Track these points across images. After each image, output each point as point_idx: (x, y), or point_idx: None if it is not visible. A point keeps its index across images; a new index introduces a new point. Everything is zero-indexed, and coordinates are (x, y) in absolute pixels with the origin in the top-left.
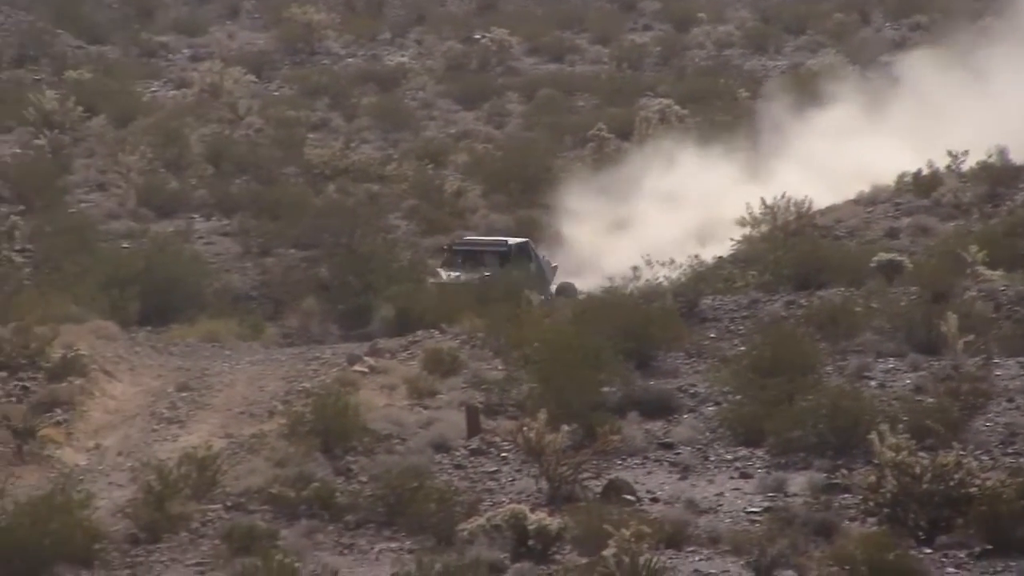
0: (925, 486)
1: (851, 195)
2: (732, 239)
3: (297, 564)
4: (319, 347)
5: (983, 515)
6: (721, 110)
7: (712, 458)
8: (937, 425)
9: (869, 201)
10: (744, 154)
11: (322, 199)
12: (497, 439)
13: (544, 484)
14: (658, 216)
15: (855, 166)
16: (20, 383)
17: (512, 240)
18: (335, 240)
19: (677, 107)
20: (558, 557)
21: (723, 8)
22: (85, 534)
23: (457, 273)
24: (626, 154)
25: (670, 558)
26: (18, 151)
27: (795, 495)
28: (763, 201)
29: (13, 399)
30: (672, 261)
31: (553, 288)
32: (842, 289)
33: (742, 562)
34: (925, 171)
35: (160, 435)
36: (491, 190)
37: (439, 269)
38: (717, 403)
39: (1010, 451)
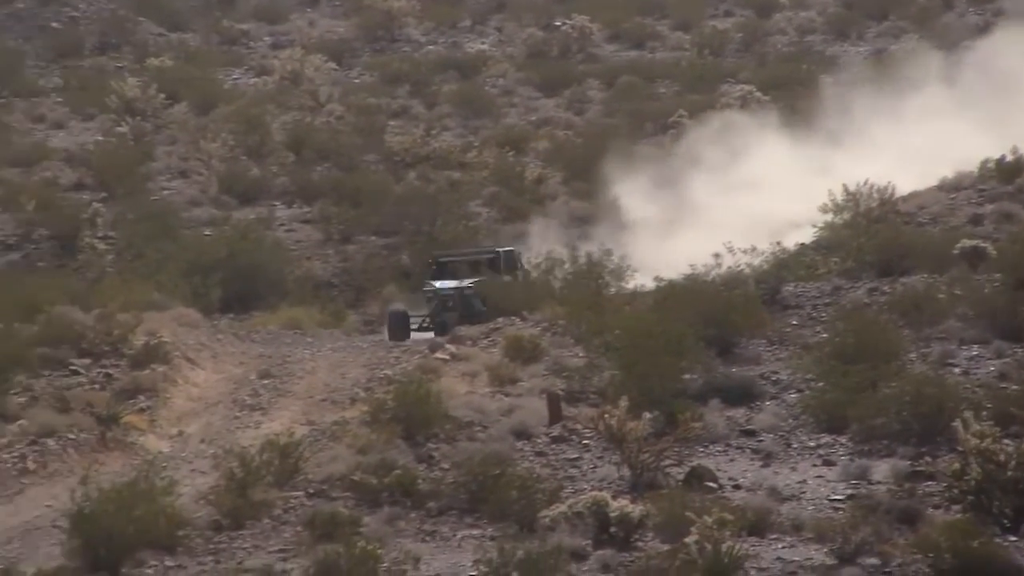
0: (1010, 473)
1: (934, 182)
2: (814, 226)
3: (380, 551)
4: None
5: None
6: (802, 96)
7: (795, 445)
8: (1022, 412)
9: (952, 187)
10: (825, 140)
11: (403, 186)
12: (579, 426)
13: (626, 471)
14: (737, 203)
15: (938, 152)
16: (103, 370)
17: (501, 248)
18: (416, 227)
19: (759, 93)
20: (640, 544)
21: None
22: (168, 521)
23: (449, 282)
24: (704, 141)
25: (752, 545)
26: (100, 138)
27: (879, 482)
28: (845, 188)
29: (97, 386)
30: (754, 248)
31: None
32: (925, 276)
33: (825, 549)
34: (1009, 157)
35: (242, 422)
36: (571, 177)
37: (428, 281)
38: (799, 390)
39: None
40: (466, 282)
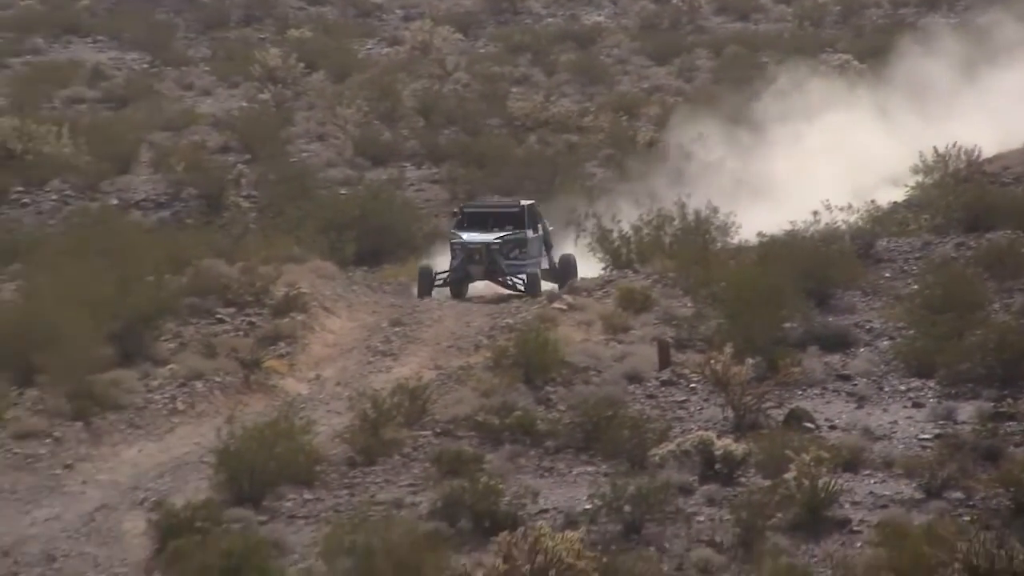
0: None
1: (1018, 144)
2: (906, 185)
3: (501, 486)
4: None
5: None
6: (895, 65)
7: (886, 389)
8: None
9: None
10: (916, 106)
11: (524, 149)
12: (686, 371)
13: (730, 413)
14: (831, 164)
15: (1021, 117)
16: (247, 319)
17: (524, 201)
18: (536, 187)
19: (855, 62)
20: (742, 480)
21: None
22: (307, 457)
23: (477, 234)
24: (804, 106)
25: (847, 481)
26: (244, 105)
27: (964, 423)
28: (935, 150)
29: (241, 333)
30: (850, 206)
31: (556, 256)
32: (1008, 232)
33: (914, 484)
34: None
35: (375, 367)
36: (678, 140)
37: (455, 232)
38: (891, 338)
39: None
40: (493, 236)
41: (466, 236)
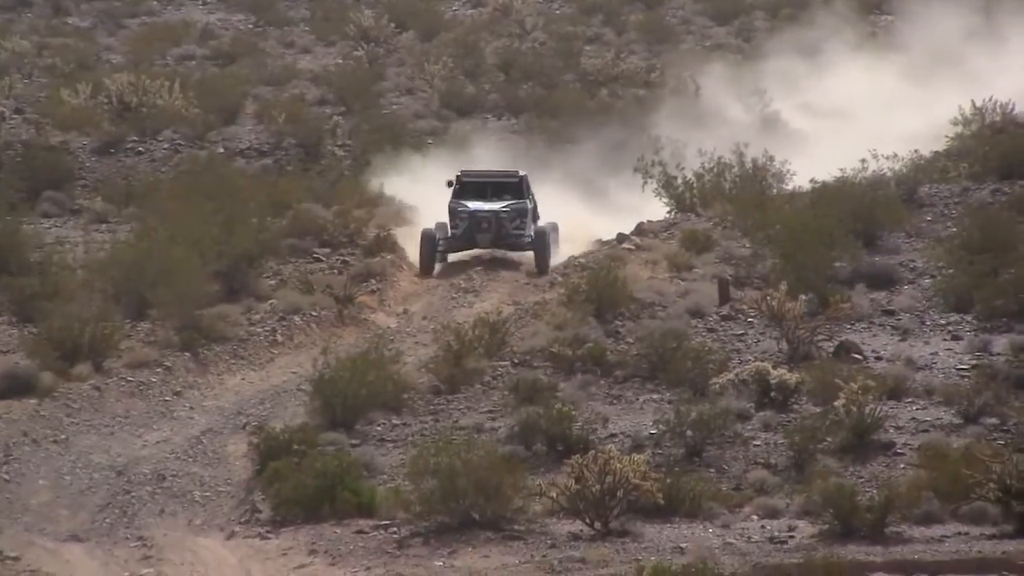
0: None
1: None
2: (947, 136)
3: (573, 412)
4: None
5: None
6: (937, 27)
7: (928, 323)
8: None
9: None
10: (954, 63)
11: (596, 102)
12: (744, 307)
13: (784, 345)
14: (873, 116)
15: None
16: (341, 258)
17: (520, 171)
18: (607, 137)
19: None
20: (796, 407)
21: None
22: (395, 385)
23: (483, 203)
24: (854, 63)
25: (891, 408)
26: (340, 61)
27: (999, 354)
28: (973, 103)
29: (335, 271)
30: (895, 155)
31: (542, 222)
32: None
33: (952, 411)
34: None
35: (458, 302)
36: (743, 93)
37: (456, 201)
38: (932, 276)
39: None
40: (500, 204)
41: (472, 205)
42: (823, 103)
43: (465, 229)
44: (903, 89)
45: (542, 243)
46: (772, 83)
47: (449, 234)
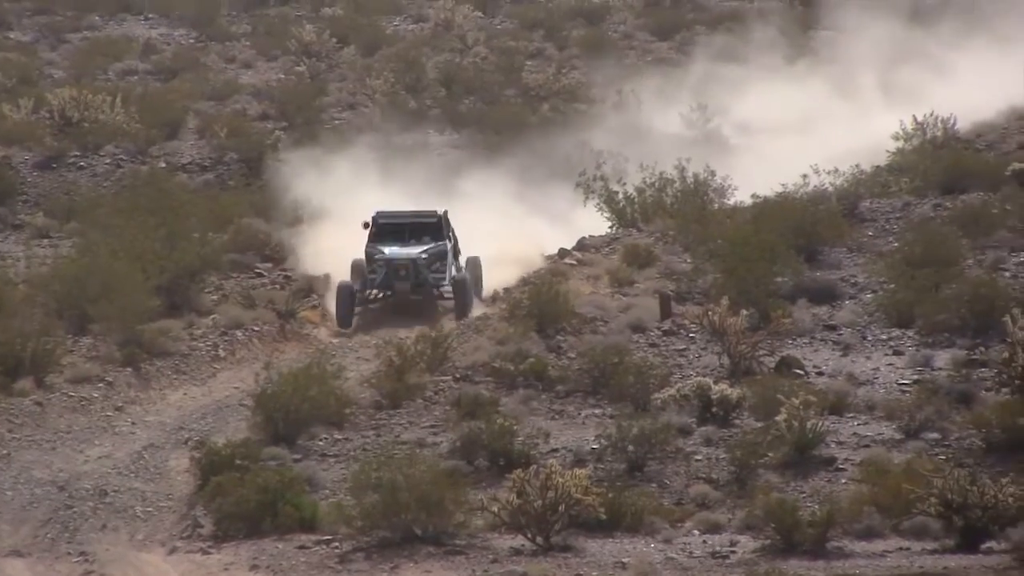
0: None
1: (991, 113)
2: (888, 151)
3: (515, 426)
4: None
5: None
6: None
7: (869, 338)
8: None
9: (1005, 119)
10: (893, 78)
11: (537, 117)
12: (686, 322)
13: (726, 360)
14: (817, 132)
15: (994, 86)
16: (283, 272)
17: (440, 210)
18: (547, 151)
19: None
20: (737, 422)
21: None
22: (337, 400)
23: (399, 248)
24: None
25: (833, 423)
26: (282, 76)
27: (940, 369)
28: (914, 118)
29: (277, 286)
30: (836, 169)
31: (463, 260)
32: (981, 194)
33: (894, 426)
34: None
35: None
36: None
37: (373, 245)
38: (874, 291)
39: None
40: (418, 250)
41: (388, 251)
42: (763, 118)
43: (383, 276)
44: (842, 104)
45: (462, 289)
46: (712, 98)
47: (367, 281)
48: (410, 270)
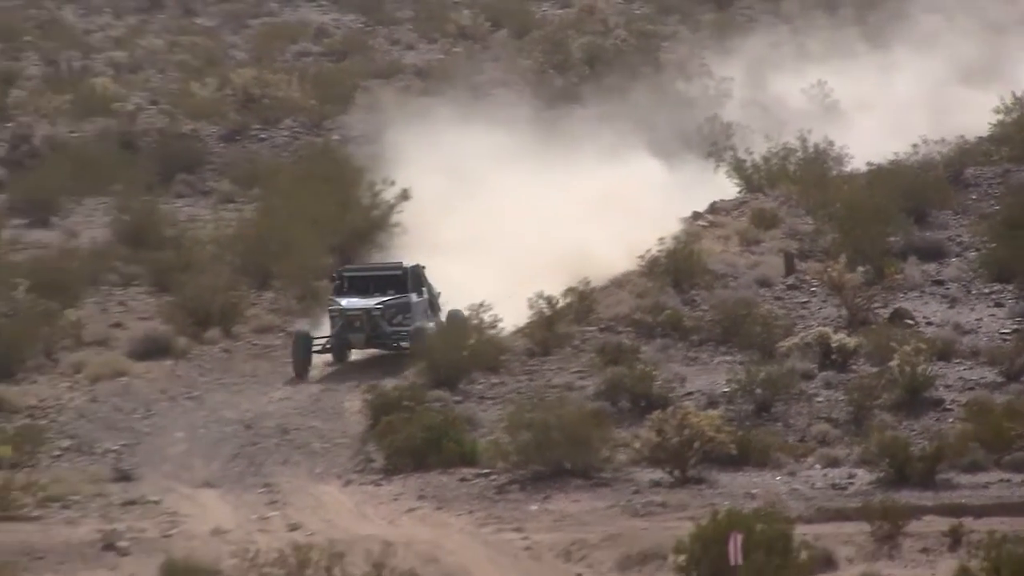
0: None
1: None
2: (989, 123)
3: (654, 372)
4: None
5: None
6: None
7: (973, 292)
8: None
9: None
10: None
11: (672, 93)
12: (808, 278)
13: (844, 312)
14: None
15: None
16: None
17: (406, 263)
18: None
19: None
20: (854, 367)
21: None
22: (494, 348)
23: (357, 299)
24: None
25: (940, 368)
26: (442, 56)
27: None
28: (1013, 94)
29: None
30: (943, 139)
31: (443, 316)
32: None
33: (996, 371)
34: None
35: None
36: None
37: (334, 298)
38: (977, 249)
39: None
40: (374, 301)
41: (344, 302)
42: (877, 93)
43: (340, 328)
44: (951, 82)
45: (419, 339)
46: (830, 75)
47: (328, 332)
48: (364, 321)
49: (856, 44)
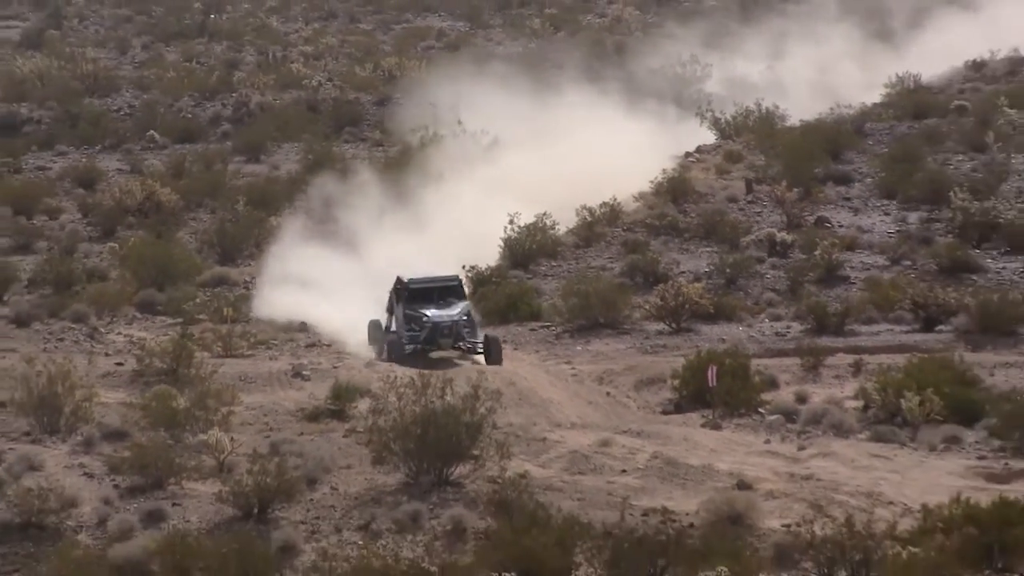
0: None
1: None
2: (880, 94)
3: (659, 258)
4: None
5: None
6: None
7: (870, 205)
8: None
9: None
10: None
11: (671, 76)
12: (761, 196)
13: (785, 218)
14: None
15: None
16: None
17: (455, 274)
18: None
19: None
20: (791, 255)
21: None
22: (552, 242)
23: (441, 311)
24: None
25: (848, 255)
26: (520, 49)
27: (911, 224)
28: (896, 74)
29: None
30: (850, 105)
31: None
32: (936, 120)
33: (884, 257)
34: None
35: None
36: None
37: (412, 307)
38: (872, 177)
39: None
40: (456, 312)
41: (431, 312)
42: (810, 68)
43: (429, 333)
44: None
45: (496, 346)
46: (779, 58)
47: (408, 335)
48: (452, 329)
49: (792, 36)
